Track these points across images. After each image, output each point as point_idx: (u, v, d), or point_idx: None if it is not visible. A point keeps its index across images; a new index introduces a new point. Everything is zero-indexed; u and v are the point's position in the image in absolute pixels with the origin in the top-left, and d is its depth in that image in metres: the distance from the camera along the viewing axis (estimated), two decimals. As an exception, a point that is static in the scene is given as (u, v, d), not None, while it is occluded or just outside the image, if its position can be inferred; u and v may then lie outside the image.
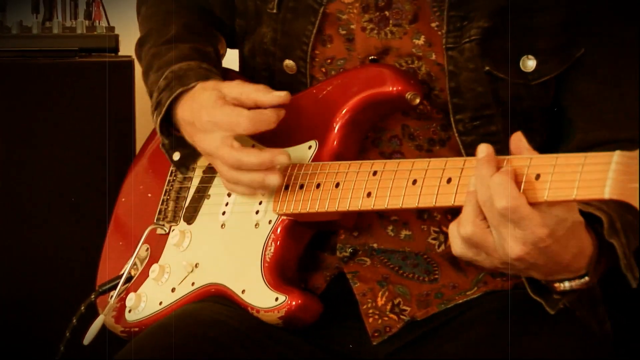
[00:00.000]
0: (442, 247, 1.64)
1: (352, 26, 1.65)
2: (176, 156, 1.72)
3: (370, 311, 1.62)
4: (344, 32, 1.66)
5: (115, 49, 2.61)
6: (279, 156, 1.58)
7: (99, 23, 2.72)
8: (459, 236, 1.40)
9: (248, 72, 1.78)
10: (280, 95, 1.60)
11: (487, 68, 1.59)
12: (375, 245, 1.64)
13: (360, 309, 1.62)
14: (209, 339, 1.57)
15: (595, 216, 1.42)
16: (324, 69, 1.67)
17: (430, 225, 1.63)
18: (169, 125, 1.70)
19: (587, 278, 1.44)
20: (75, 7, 2.74)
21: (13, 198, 2.67)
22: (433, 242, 1.64)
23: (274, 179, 1.58)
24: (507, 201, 1.32)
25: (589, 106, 1.60)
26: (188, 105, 1.66)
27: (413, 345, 1.60)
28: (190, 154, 1.70)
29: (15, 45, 2.67)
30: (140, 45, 1.85)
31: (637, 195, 1.25)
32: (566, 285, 1.45)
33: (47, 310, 2.32)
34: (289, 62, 1.70)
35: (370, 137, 1.61)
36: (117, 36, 2.62)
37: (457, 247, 1.40)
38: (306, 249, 1.65)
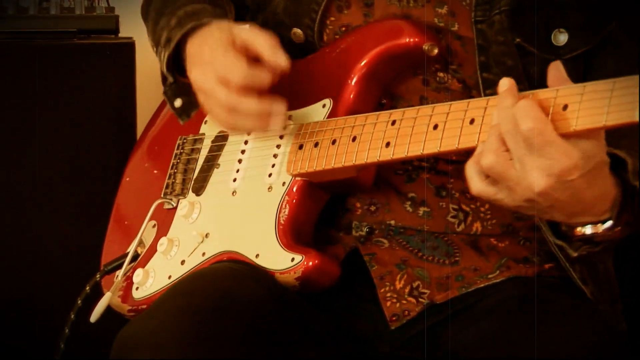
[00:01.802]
0: (462, 225, 1.64)
1: None
2: (177, 103, 1.73)
3: (388, 295, 1.62)
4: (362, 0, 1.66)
5: (116, 31, 2.60)
6: (277, 107, 1.59)
7: (99, 3, 2.66)
8: (478, 172, 1.39)
9: None
10: (281, 59, 1.59)
11: (517, 40, 1.60)
12: (392, 222, 1.64)
13: (377, 293, 1.61)
14: (240, 296, 1.55)
15: (620, 160, 1.43)
16: (338, 37, 1.67)
17: (450, 202, 1.63)
18: (174, 68, 1.71)
19: (610, 222, 1.45)
20: None
21: (11, 181, 2.66)
22: (452, 220, 1.64)
23: (277, 122, 1.60)
24: (532, 122, 1.33)
25: None
26: (197, 41, 1.67)
27: (432, 330, 1.59)
28: (194, 102, 1.69)
29: (12, 27, 2.65)
30: (147, 3, 1.86)
31: None
32: (588, 230, 1.46)
33: (48, 306, 2.33)
34: (296, 30, 1.70)
35: (387, 105, 1.61)
36: (117, 17, 2.60)
37: (477, 185, 1.40)
38: (321, 228, 1.65)
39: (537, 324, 1.51)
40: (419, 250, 1.64)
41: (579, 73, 1.61)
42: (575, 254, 1.50)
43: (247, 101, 1.58)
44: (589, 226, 1.46)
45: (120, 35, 2.59)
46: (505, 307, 1.57)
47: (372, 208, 1.65)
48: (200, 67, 1.64)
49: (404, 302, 1.61)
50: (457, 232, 1.64)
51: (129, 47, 2.53)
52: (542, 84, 1.51)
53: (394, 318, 1.60)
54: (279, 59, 1.59)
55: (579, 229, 1.46)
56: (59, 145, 2.65)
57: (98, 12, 2.68)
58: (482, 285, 1.61)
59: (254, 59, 1.60)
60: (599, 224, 1.46)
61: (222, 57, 1.60)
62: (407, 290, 1.62)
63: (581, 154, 1.34)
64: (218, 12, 1.71)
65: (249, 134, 1.69)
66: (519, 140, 1.34)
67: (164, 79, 1.73)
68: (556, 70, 1.38)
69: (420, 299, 1.61)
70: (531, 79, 1.60)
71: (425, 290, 1.62)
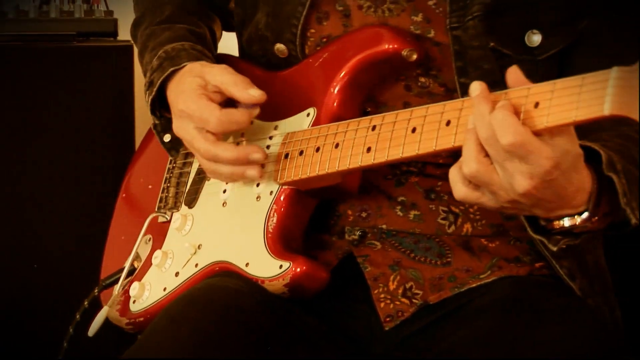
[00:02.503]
0: (453, 227, 1.64)
1: (349, 3, 1.67)
2: (167, 138, 1.76)
3: (382, 296, 1.62)
4: (340, 8, 1.68)
5: (114, 34, 2.61)
6: (255, 154, 1.61)
7: (97, 7, 2.71)
8: (461, 178, 1.41)
9: (249, 58, 1.81)
10: (254, 96, 1.61)
11: (492, 44, 1.60)
12: (384, 226, 1.65)
13: (371, 294, 1.62)
14: (234, 306, 1.58)
15: (594, 152, 1.44)
16: (319, 49, 1.68)
17: (439, 205, 1.64)
18: (161, 106, 1.73)
19: (587, 214, 1.45)
20: None
21: (11, 185, 2.68)
22: (443, 222, 1.64)
23: (253, 173, 1.62)
24: (513, 137, 1.34)
25: None
26: (174, 86, 1.69)
27: (426, 330, 1.60)
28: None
29: (12, 30, 2.68)
30: (135, 26, 1.87)
31: (637, 109, 1.28)
32: (566, 222, 1.47)
33: (49, 307, 2.33)
34: (279, 46, 1.71)
35: (372, 112, 1.61)
36: (116, 20, 2.62)
37: (460, 190, 1.42)
38: (311, 233, 1.66)
39: (529, 323, 1.52)
40: (412, 252, 1.64)
41: (555, 73, 1.62)
42: (554, 248, 1.50)
43: (225, 151, 1.63)
44: (567, 219, 1.46)
45: (118, 38, 2.63)
46: (498, 307, 1.56)
47: (364, 214, 1.67)
48: (180, 119, 1.66)
49: (398, 303, 1.62)
50: (448, 234, 1.65)
51: (127, 49, 2.56)
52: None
53: (388, 319, 1.61)
54: (252, 95, 1.62)
55: (557, 222, 1.47)
56: (58, 147, 2.66)
57: (97, 16, 2.70)
58: (474, 285, 1.62)
59: (228, 98, 1.64)
60: (577, 216, 1.46)
61: (196, 107, 1.63)
62: (400, 291, 1.63)
63: (559, 152, 1.36)
64: (194, 53, 1.73)
65: (226, 183, 1.73)
66: (500, 150, 1.36)
67: (152, 113, 1.75)
68: (514, 74, 1.40)
69: (413, 300, 1.62)
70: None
71: (419, 291, 1.62)
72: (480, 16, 1.60)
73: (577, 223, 1.46)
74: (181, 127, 1.66)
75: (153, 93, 1.71)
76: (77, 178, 2.62)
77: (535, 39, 1.63)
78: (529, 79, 1.53)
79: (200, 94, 1.63)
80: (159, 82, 1.70)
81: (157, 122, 1.75)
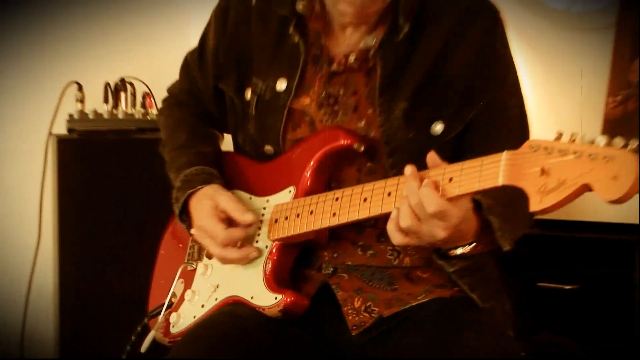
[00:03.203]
0: (397, 260, 1.70)
1: (313, 116, 1.73)
2: (193, 232, 1.76)
3: (350, 311, 1.68)
4: (307, 118, 1.73)
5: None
6: (252, 253, 1.69)
7: (151, 110, 2.86)
8: (397, 230, 1.49)
9: (245, 154, 1.84)
10: (248, 220, 1.69)
11: (410, 135, 1.66)
12: (350, 263, 1.71)
13: (342, 310, 1.68)
14: (240, 326, 1.61)
15: (477, 202, 1.52)
16: (295, 146, 1.73)
17: (387, 245, 1.69)
18: (187, 212, 1.78)
19: (473, 244, 1.53)
20: (134, 99, 2.87)
21: (89, 240, 2.71)
22: (390, 257, 1.70)
23: (254, 254, 1.69)
24: (435, 207, 1.43)
25: (478, 154, 1.59)
26: (193, 204, 1.76)
27: (381, 336, 1.66)
28: None
29: (92, 126, 2.79)
30: (162, 147, 1.93)
31: (524, 180, 1.34)
32: (459, 251, 1.54)
33: (112, 330, 2.32)
34: (268, 147, 1.77)
35: (335, 188, 1.67)
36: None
37: (397, 238, 1.50)
38: (299, 268, 1.71)
39: (452, 332, 1.57)
40: (370, 280, 1.70)
41: (454, 150, 1.67)
42: (451, 269, 1.58)
43: (231, 254, 1.70)
44: (460, 248, 1.54)
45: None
46: (431, 320, 1.63)
47: (335, 255, 1.72)
48: (198, 230, 1.74)
49: (361, 316, 1.67)
50: (394, 266, 1.70)
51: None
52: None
53: (354, 327, 1.67)
54: (246, 219, 1.70)
55: (452, 251, 1.54)
56: (122, 212, 2.73)
57: (150, 117, 2.84)
58: (414, 304, 1.68)
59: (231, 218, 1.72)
60: (467, 246, 1.54)
61: (209, 224, 1.71)
62: (362, 308, 1.68)
63: (463, 210, 1.45)
64: (205, 176, 1.77)
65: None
66: (426, 214, 1.45)
67: (180, 219, 1.79)
68: (431, 159, 1.49)
69: (372, 314, 1.67)
70: (423, 157, 1.60)
71: (376, 308, 1.68)
72: (400, 117, 1.66)
73: (466, 251, 1.54)
74: (199, 236, 1.74)
75: (180, 207, 1.77)
76: (135, 238, 2.68)
77: (438, 127, 1.67)
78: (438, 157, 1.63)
79: (213, 214, 1.71)
80: (182, 199, 1.76)
81: (183, 224, 1.78)
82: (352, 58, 1.70)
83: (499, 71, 1.69)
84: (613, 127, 2.33)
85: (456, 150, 1.68)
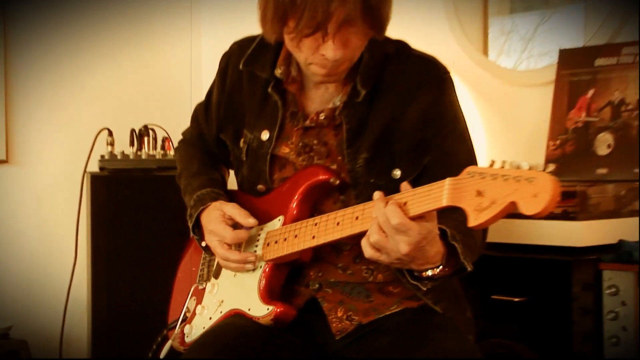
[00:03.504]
0: (372, 277, 1.70)
1: (294, 160, 1.75)
2: (203, 244, 1.79)
3: (334, 319, 1.69)
4: (290, 163, 1.75)
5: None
6: (250, 257, 1.70)
7: (169, 152, 2.88)
8: (368, 244, 1.49)
9: (243, 191, 1.85)
10: (250, 223, 1.71)
11: (372, 180, 1.68)
12: (332, 280, 1.72)
13: (328, 319, 1.69)
14: (239, 334, 1.63)
15: (443, 231, 1.53)
16: (282, 183, 1.75)
17: (362, 265, 1.70)
18: (199, 226, 1.80)
19: (441, 267, 1.53)
20: (155, 142, 2.88)
21: (116, 261, 2.73)
22: (366, 274, 1.71)
23: (250, 267, 1.71)
24: (398, 219, 1.43)
25: None
26: (204, 217, 1.78)
27: (360, 340, 1.67)
28: None
29: (119, 165, 2.81)
30: (178, 177, 1.94)
31: (463, 200, 1.36)
32: (429, 272, 1.53)
33: (136, 340, 2.23)
34: (260, 186, 1.79)
35: (316, 215, 1.68)
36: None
37: (368, 252, 1.50)
38: (289, 284, 1.72)
39: (418, 337, 1.59)
40: (350, 294, 1.71)
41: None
42: (424, 289, 1.58)
43: (233, 255, 1.72)
44: (430, 270, 1.53)
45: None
46: (401, 327, 1.65)
47: (320, 273, 1.73)
48: (209, 234, 1.76)
49: (344, 323, 1.69)
50: (370, 282, 1.70)
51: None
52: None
53: (338, 333, 1.68)
54: (249, 222, 1.71)
55: (424, 272, 1.54)
56: (143, 237, 2.74)
57: (169, 157, 2.87)
58: (388, 313, 1.69)
59: (236, 223, 1.73)
60: (435, 268, 1.53)
61: (218, 227, 1.72)
62: (344, 316, 1.69)
63: (426, 230, 1.45)
64: (213, 195, 1.79)
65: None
66: (391, 228, 1.45)
67: (193, 232, 1.81)
68: (404, 186, 1.49)
69: (353, 322, 1.69)
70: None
71: (355, 317, 1.69)
72: (363, 165, 1.68)
73: (436, 272, 1.54)
74: (210, 240, 1.76)
75: (192, 222, 1.79)
76: (156, 260, 2.68)
77: (397, 173, 1.68)
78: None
79: (221, 220, 1.73)
80: (196, 215, 1.78)
81: (196, 236, 1.79)
82: (322, 116, 1.70)
83: (447, 123, 1.69)
84: (553, 166, 2.42)
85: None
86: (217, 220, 1.72)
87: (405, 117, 1.67)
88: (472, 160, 1.72)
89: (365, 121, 1.68)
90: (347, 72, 1.67)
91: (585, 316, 1.95)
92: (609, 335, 1.94)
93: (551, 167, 1.31)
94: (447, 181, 1.40)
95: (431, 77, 1.70)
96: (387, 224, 1.45)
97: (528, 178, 1.30)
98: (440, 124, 1.69)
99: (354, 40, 1.58)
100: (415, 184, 1.64)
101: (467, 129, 1.74)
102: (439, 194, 1.40)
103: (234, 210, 1.72)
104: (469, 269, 1.55)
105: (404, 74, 1.69)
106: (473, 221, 1.36)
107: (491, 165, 1.37)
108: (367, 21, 1.56)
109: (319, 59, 1.59)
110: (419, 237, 1.44)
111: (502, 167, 1.36)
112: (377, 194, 1.50)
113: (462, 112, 1.74)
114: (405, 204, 1.46)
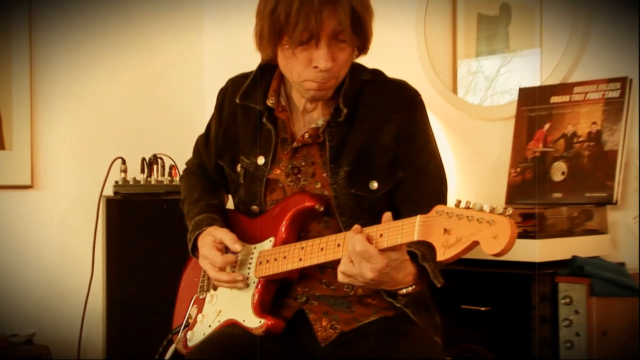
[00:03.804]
0: (352, 291, 1.71)
1: (284, 183, 1.74)
2: (200, 262, 1.77)
3: (319, 328, 1.69)
4: (280, 185, 1.75)
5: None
6: (238, 277, 1.69)
7: (176, 178, 2.85)
8: (340, 272, 1.50)
9: (240, 211, 1.84)
10: (237, 249, 1.70)
11: (352, 191, 1.67)
12: (318, 294, 1.72)
13: (313, 328, 1.69)
14: (235, 342, 1.63)
15: (414, 253, 1.54)
16: (273, 206, 1.76)
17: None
18: (195, 247, 1.79)
19: (414, 286, 1.55)
20: (163, 170, 2.85)
21: (128, 275, 2.71)
22: (347, 289, 1.71)
23: (240, 286, 1.70)
24: (361, 246, 1.44)
25: (407, 206, 1.65)
26: (200, 241, 1.77)
27: (343, 346, 1.67)
28: None
29: (130, 190, 2.79)
30: (182, 203, 1.93)
31: (432, 236, 1.36)
32: (403, 291, 1.55)
33: (145, 343, 2.18)
34: (254, 207, 1.78)
35: (303, 238, 1.69)
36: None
37: (340, 277, 1.52)
38: (279, 297, 1.71)
39: (393, 342, 1.59)
40: (333, 306, 1.71)
41: (388, 201, 1.68)
42: (399, 305, 1.60)
43: (223, 276, 1.70)
44: (404, 289, 1.55)
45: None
46: (378, 333, 1.64)
47: (306, 289, 1.73)
48: (202, 258, 1.75)
49: (328, 332, 1.68)
50: (351, 295, 1.71)
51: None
52: (369, 211, 1.63)
53: (323, 340, 1.68)
54: (236, 247, 1.70)
55: (399, 290, 1.55)
56: (152, 254, 2.71)
57: (175, 182, 2.83)
58: (366, 321, 1.69)
59: (226, 247, 1.72)
60: (409, 287, 1.55)
61: (209, 252, 1.72)
62: (329, 326, 1.69)
63: (389, 259, 1.46)
64: (209, 220, 1.78)
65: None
66: (356, 256, 1.47)
67: (192, 253, 1.80)
68: (386, 217, 1.49)
69: (336, 330, 1.68)
70: (365, 210, 1.66)
71: (338, 326, 1.69)
72: (344, 178, 1.67)
73: (409, 291, 1.55)
74: (203, 263, 1.75)
75: (190, 245, 1.79)
76: (163, 274, 2.55)
77: (375, 185, 1.67)
78: (372, 208, 1.63)
79: (212, 245, 1.72)
80: (193, 238, 1.78)
81: (195, 256, 1.78)
82: (306, 135, 1.70)
83: (418, 142, 1.68)
84: (514, 191, 2.35)
85: (390, 203, 1.68)
86: (209, 245, 1.72)
87: (381, 136, 1.67)
88: (441, 175, 1.72)
89: (346, 139, 1.68)
90: (331, 95, 1.68)
91: (543, 324, 1.96)
92: (564, 340, 1.94)
93: (510, 210, 1.30)
94: (418, 218, 1.39)
95: (403, 99, 1.70)
96: (353, 251, 1.46)
97: (489, 220, 1.29)
98: (413, 142, 1.68)
99: (342, 56, 1.60)
100: (391, 196, 1.68)
101: (436, 146, 1.74)
102: (411, 229, 1.40)
103: (223, 236, 1.72)
104: (439, 285, 1.56)
105: (379, 97, 1.69)
106: (440, 256, 1.36)
107: (457, 205, 1.36)
108: (355, 32, 1.58)
109: (312, 72, 1.60)
110: (382, 265, 1.44)
111: (467, 207, 1.34)
112: (355, 226, 1.49)
113: (432, 131, 1.74)
114: (381, 235, 1.45)
